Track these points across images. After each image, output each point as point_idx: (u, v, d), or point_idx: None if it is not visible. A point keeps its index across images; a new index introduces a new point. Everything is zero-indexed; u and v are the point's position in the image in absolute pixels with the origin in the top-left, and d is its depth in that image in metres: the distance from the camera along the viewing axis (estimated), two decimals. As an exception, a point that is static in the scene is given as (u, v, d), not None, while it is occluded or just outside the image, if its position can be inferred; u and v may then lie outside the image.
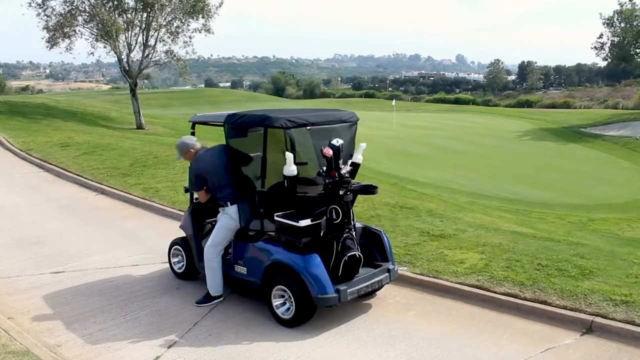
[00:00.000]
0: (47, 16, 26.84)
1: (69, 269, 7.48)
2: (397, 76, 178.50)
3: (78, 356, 5.18)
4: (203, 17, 28.14)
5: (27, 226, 9.44)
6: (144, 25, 27.82)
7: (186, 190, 6.99)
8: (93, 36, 27.36)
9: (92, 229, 9.39)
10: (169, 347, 5.35)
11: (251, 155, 6.09)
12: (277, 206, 5.74)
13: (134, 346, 5.37)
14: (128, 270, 7.44)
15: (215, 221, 6.78)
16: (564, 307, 5.82)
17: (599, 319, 5.55)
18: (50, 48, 27.25)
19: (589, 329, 5.53)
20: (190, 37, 28.84)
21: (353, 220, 5.74)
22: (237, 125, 5.89)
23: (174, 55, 28.91)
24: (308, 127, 5.64)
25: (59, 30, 26.87)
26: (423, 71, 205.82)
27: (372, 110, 68.23)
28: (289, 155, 5.36)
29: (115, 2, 26.90)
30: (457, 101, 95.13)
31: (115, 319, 5.96)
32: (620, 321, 5.47)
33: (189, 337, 5.56)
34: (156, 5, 27.03)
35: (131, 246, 8.42)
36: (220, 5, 28.46)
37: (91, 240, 8.73)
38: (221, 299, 6.29)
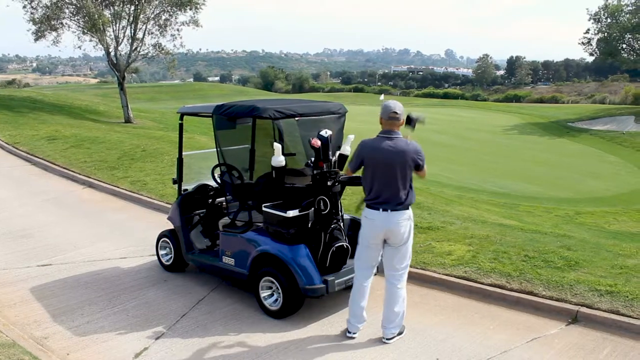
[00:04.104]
0: (33, 8, 26.51)
1: (56, 261, 7.44)
2: (386, 71, 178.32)
3: (65, 348, 5.16)
4: (191, 10, 27.94)
5: (14, 219, 9.38)
6: (131, 18, 27.55)
7: (174, 182, 6.97)
8: (80, 29, 27.09)
9: (79, 221, 9.34)
10: (157, 338, 5.34)
11: (239, 147, 6.09)
12: (265, 197, 5.74)
13: (122, 338, 5.36)
14: (116, 262, 7.41)
15: (203, 213, 6.79)
16: (550, 298, 5.87)
17: (584, 309, 5.61)
18: (36, 40, 26.95)
19: (574, 318, 5.59)
20: (178, 30, 28.64)
21: (341, 211, 5.76)
22: (225, 115, 5.87)
23: (162, 49, 28.69)
24: (296, 118, 5.65)
25: (45, 23, 26.57)
26: (412, 66, 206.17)
27: (361, 105, 68.16)
28: (277, 146, 5.37)
29: (103, -6, 26.65)
30: (446, 96, 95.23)
31: (102, 311, 5.95)
32: (605, 311, 5.53)
33: (176, 328, 5.56)
34: (143, -2, 26.83)
35: (119, 239, 8.39)
36: None
37: (79, 233, 8.68)
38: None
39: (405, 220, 4.99)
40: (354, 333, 5.31)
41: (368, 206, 5.05)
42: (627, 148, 39.63)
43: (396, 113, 4.93)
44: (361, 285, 5.21)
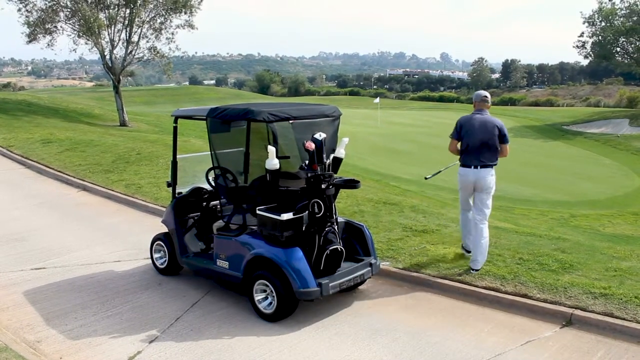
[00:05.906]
0: (28, 12, 26.46)
1: (49, 265, 7.41)
2: (382, 74, 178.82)
3: (58, 352, 5.14)
4: (186, 13, 27.93)
5: (8, 222, 9.34)
6: (126, 22, 27.52)
7: (168, 185, 6.96)
8: (75, 32, 27.04)
9: (73, 225, 9.31)
10: (151, 342, 5.33)
11: (234, 150, 6.08)
12: (260, 200, 5.73)
13: (115, 341, 5.34)
14: (110, 266, 7.39)
15: (197, 216, 6.78)
16: (545, 300, 5.88)
17: (578, 312, 5.61)
18: (29, 43, 26.86)
19: (568, 321, 5.60)
20: (172, 34, 28.61)
21: (335, 214, 5.75)
22: (219, 118, 5.86)
23: (158, 52, 28.66)
24: (291, 121, 5.64)
25: (40, 26, 26.49)
26: (408, 69, 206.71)
27: (356, 108, 68.24)
28: (271, 149, 5.36)
29: (98, -2, 26.58)
30: (441, 99, 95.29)
31: (96, 315, 5.92)
32: (599, 313, 5.54)
33: (170, 332, 5.54)
34: (139, 1, 26.78)
35: (113, 242, 8.36)
36: (202, 0, 28.24)
37: (73, 236, 8.65)
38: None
39: (490, 176, 6.54)
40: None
41: (462, 165, 6.64)
42: (622, 151, 39.77)
43: (486, 97, 6.80)
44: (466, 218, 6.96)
